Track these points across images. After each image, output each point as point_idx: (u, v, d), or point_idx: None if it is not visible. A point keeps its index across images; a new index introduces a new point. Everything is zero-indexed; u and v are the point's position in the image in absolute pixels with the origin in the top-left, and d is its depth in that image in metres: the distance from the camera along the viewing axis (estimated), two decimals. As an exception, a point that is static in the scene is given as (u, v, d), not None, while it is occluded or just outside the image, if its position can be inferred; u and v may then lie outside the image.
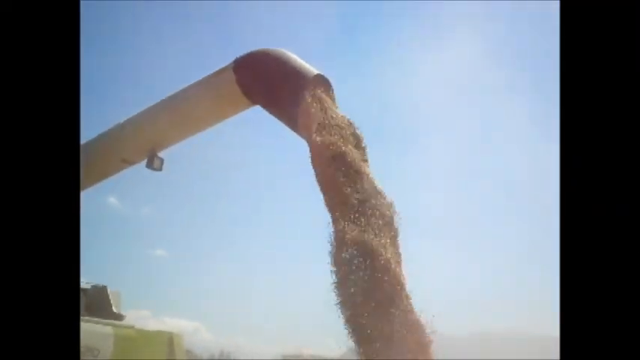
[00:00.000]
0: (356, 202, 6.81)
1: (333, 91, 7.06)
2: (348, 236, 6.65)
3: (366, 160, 7.50)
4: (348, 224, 6.72)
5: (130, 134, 6.63)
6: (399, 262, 6.86)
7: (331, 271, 6.44)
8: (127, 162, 6.68)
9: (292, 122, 7.04)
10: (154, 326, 9.61)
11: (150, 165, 6.40)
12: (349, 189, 6.73)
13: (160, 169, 6.51)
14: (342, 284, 6.52)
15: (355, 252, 6.70)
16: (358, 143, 7.49)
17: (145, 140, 6.58)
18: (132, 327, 8.03)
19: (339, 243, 6.59)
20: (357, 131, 7.55)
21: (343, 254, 6.57)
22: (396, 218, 7.22)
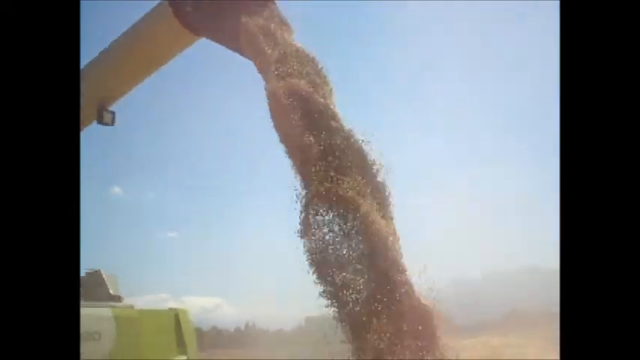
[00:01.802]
0: (321, 150, 6.21)
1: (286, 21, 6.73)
2: (315, 192, 6.29)
3: (331, 102, 7.05)
4: (314, 178, 6.38)
5: None
6: (384, 215, 6.49)
7: (299, 232, 6.19)
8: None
9: (240, 52, 6.70)
10: (173, 306, 9.45)
11: (100, 120, 6.10)
12: (312, 137, 6.24)
13: (111, 123, 6.21)
14: (317, 250, 6.20)
15: (327, 209, 6.39)
16: (323, 82, 6.97)
17: (90, 94, 6.20)
18: (131, 307, 7.85)
19: (308, 201, 6.29)
20: (321, 69, 7.12)
21: (312, 214, 6.26)
22: (376, 167, 6.81)
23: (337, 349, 6.14)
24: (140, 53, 6.09)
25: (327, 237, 5.92)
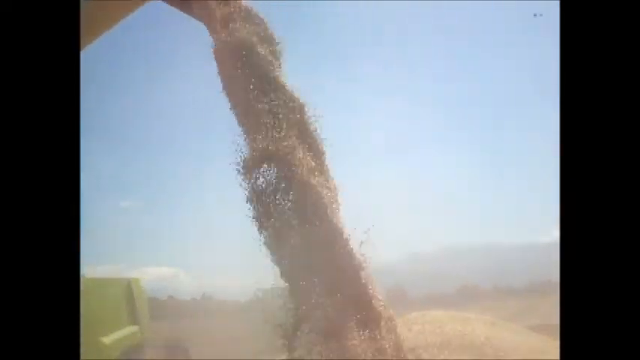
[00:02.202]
0: (265, 109, 6.49)
1: None
2: (256, 151, 6.30)
3: (278, 63, 7.09)
4: (257, 136, 6.40)
5: None
6: (325, 177, 6.54)
7: (247, 198, 6.20)
8: None
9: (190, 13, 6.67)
10: (130, 276, 9.33)
11: None
12: (256, 93, 6.29)
13: None
14: (261, 212, 6.26)
15: (268, 168, 6.40)
16: (271, 44, 6.93)
17: None
18: (82, 276, 7.73)
19: (250, 160, 6.29)
20: (270, 31, 7.11)
21: (254, 175, 6.29)
22: (316, 127, 6.83)
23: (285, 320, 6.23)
24: (92, 15, 5.95)
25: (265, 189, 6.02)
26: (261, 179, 6.09)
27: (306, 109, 6.52)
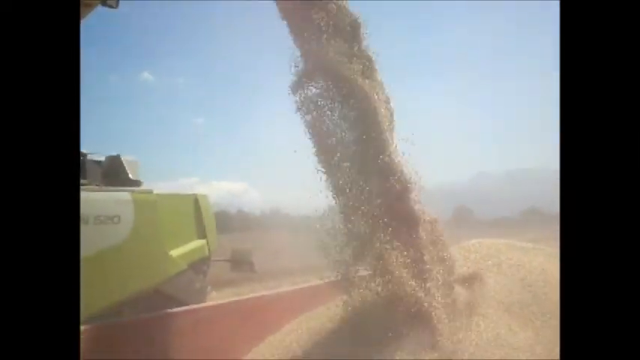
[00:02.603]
0: (322, 23, 6.22)
1: None
2: (313, 61, 6.11)
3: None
4: (311, 45, 6.17)
5: None
6: (381, 99, 6.34)
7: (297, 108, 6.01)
8: (83, 3, 6.06)
9: None
10: (203, 190, 9.59)
11: (104, 2, 5.96)
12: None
13: (115, 6, 6.06)
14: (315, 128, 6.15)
15: (323, 81, 6.23)
16: None
17: None
18: (150, 192, 7.99)
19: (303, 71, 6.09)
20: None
21: (306, 86, 6.12)
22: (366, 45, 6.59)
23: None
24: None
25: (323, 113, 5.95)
26: (314, 91, 6.02)
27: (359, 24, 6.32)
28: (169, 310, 6.66)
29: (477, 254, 8.16)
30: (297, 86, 5.98)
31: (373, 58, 6.37)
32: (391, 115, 6.40)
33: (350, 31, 6.18)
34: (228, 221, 27.13)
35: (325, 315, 7.13)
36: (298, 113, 5.98)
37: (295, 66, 6.05)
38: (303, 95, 6.00)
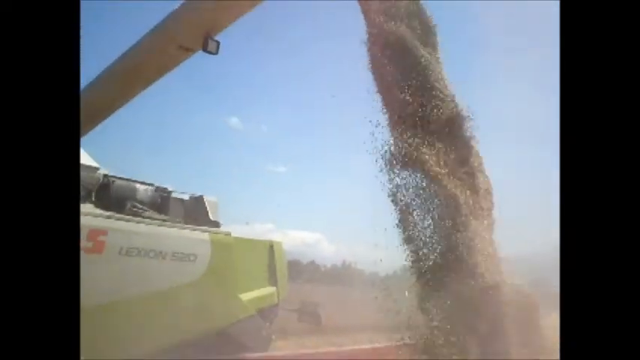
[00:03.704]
0: (416, 108, 5.99)
1: None
2: (402, 152, 6.08)
3: (437, 57, 6.54)
4: (403, 137, 6.15)
5: (182, 19, 6.37)
6: (472, 190, 6.23)
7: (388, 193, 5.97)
8: (184, 48, 6.43)
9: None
10: (277, 238, 9.72)
11: (205, 48, 6.26)
12: (407, 92, 5.98)
13: (215, 52, 6.34)
14: (401, 210, 6.10)
15: (410, 174, 6.18)
16: (427, 32, 6.51)
17: (196, 22, 6.29)
18: (229, 234, 8.15)
19: (392, 159, 6.03)
20: (428, 17, 6.58)
21: (394, 174, 6.10)
22: (470, 134, 6.50)
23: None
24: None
25: (408, 196, 5.92)
26: (401, 180, 6.05)
27: (462, 118, 6.31)
28: (239, 355, 6.66)
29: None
30: (386, 169, 6.05)
31: (473, 146, 6.40)
32: (489, 204, 6.41)
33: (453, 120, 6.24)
34: (300, 271, 27.13)
35: None
36: (389, 197, 6.05)
37: (385, 150, 6.11)
38: (392, 180, 6.07)
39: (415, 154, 5.93)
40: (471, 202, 6.03)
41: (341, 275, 32.30)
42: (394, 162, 6.02)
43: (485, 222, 6.32)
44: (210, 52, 6.29)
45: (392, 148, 6.09)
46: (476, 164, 6.41)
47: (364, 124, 6.29)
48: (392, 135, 6.15)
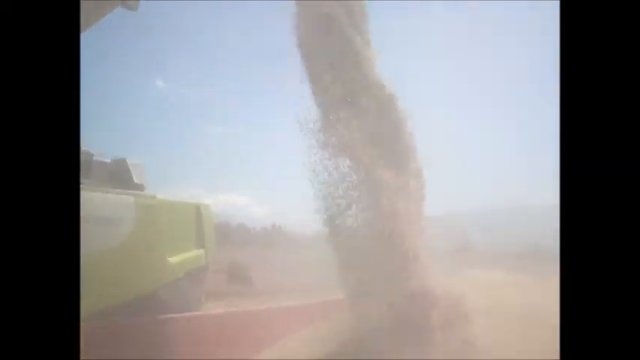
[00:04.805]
0: (343, 92, 6.12)
1: None
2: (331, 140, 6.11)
3: (368, 39, 6.59)
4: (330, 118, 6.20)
5: None
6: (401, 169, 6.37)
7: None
8: None
9: None
10: (206, 201, 9.60)
11: (123, 4, 6.08)
12: (336, 74, 6.11)
13: (135, 9, 6.15)
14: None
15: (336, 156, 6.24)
16: (361, 15, 6.52)
17: None
18: (154, 197, 8.00)
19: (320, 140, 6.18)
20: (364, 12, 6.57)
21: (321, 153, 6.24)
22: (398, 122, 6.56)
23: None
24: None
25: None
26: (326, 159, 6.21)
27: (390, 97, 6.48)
28: (169, 315, 6.63)
29: (472, 288, 8.14)
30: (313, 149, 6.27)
31: (403, 125, 6.59)
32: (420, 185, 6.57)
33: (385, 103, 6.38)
34: (229, 234, 27.08)
35: (324, 333, 7.11)
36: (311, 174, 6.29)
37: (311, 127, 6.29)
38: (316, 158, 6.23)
39: (343, 135, 6.04)
40: (398, 181, 6.18)
41: (271, 237, 32.49)
42: (322, 142, 6.13)
43: (414, 198, 6.54)
44: (128, 8, 6.08)
45: (321, 131, 6.19)
46: (406, 142, 6.54)
47: (295, 100, 6.37)
48: (320, 114, 6.28)
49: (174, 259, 8.01)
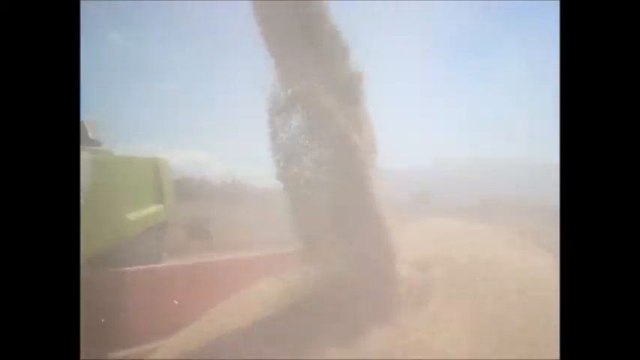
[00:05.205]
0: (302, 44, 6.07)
1: None
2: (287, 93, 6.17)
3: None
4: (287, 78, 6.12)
5: None
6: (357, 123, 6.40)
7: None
8: None
9: None
10: (166, 157, 9.49)
11: None
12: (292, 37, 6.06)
13: None
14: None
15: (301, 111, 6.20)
16: None
17: None
18: (110, 153, 7.88)
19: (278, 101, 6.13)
20: None
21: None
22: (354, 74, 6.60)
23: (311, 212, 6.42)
24: None
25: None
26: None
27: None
28: (125, 269, 6.62)
29: (422, 237, 8.33)
30: (274, 111, 6.17)
31: (359, 81, 6.54)
32: (373, 141, 6.60)
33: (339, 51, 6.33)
34: (190, 189, 26.87)
35: (283, 284, 7.15)
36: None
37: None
38: (279, 119, 6.19)
39: (298, 85, 6.03)
40: (355, 133, 6.24)
41: (232, 192, 32.39)
42: (280, 103, 6.13)
43: (371, 150, 6.60)
44: None
45: (278, 91, 6.18)
46: (360, 99, 6.60)
47: (250, 54, 6.31)
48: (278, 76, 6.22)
49: (133, 215, 7.95)
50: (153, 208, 8.69)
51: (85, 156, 7.27)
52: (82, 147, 7.49)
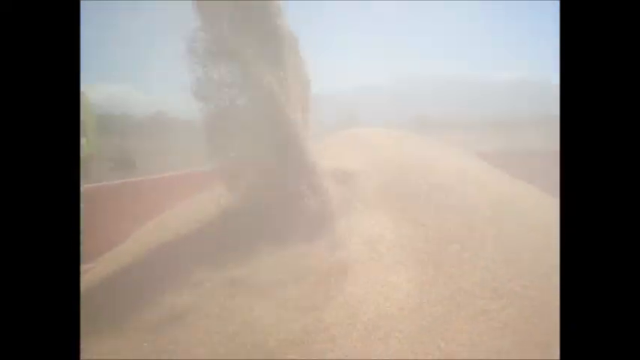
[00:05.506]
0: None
1: None
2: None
3: None
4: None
5: None
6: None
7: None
8: None
9: None
10: (85, 92, 9.45)
11: None
12: None
13: None
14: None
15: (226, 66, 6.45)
16: None
17: None
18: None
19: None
20: None
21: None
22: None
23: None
24: None
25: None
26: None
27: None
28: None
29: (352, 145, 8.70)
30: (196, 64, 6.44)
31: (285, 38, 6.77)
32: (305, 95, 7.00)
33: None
34: (112, 123, 26.27)
35: (207, 203, 7.45)
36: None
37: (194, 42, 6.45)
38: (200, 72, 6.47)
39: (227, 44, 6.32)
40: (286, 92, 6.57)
41: (156, 125, 31.83)
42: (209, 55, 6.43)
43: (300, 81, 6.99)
44: None
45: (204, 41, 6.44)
46: (290, 55, 6.89)
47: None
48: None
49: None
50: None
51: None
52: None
